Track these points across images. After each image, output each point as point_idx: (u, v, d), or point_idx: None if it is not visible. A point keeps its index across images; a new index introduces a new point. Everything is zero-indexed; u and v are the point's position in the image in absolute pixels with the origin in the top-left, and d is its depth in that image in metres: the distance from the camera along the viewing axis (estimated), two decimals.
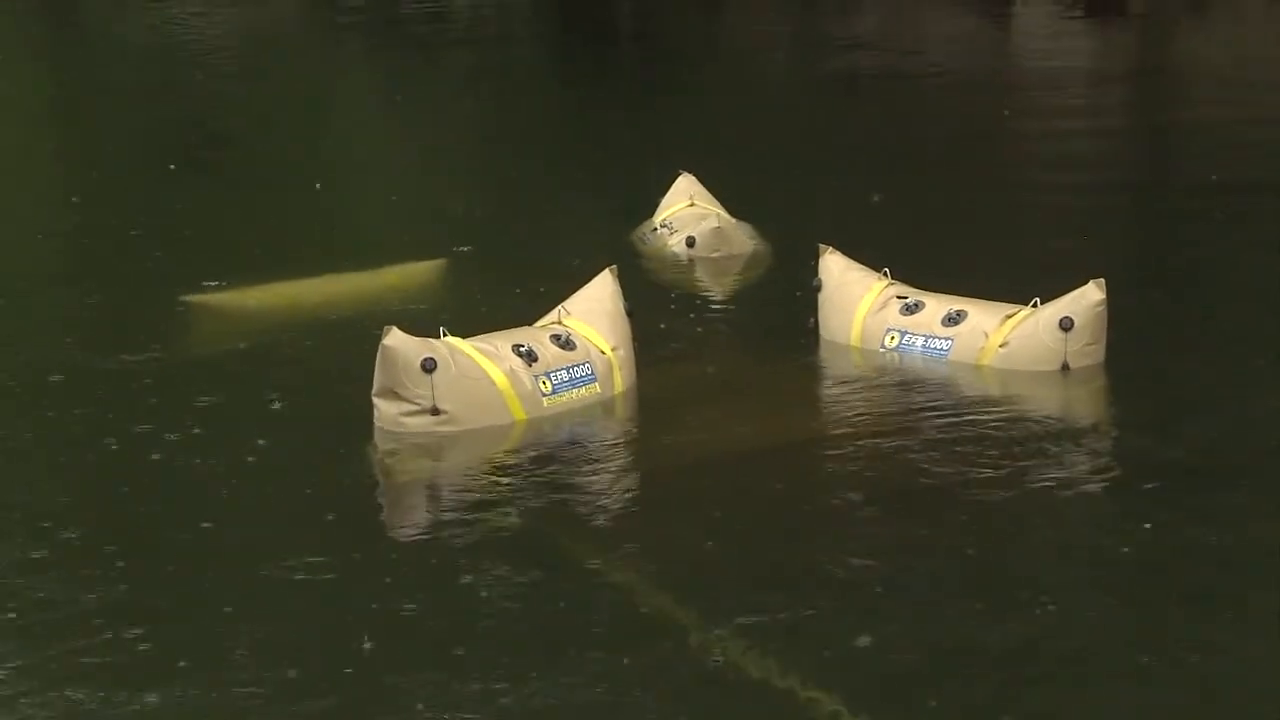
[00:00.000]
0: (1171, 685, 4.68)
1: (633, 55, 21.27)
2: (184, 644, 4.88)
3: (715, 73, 17.57)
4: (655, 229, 9.53)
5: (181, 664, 4.67)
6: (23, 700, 4.44)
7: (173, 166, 12.58)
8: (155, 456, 6.23)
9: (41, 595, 5.15)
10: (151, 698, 4.44)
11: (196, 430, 6.43)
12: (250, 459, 6.17)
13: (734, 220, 9.47)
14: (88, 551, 5.49)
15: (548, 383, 6.54)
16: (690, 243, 9.02)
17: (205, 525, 5.63)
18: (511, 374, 6.38)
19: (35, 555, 5.44)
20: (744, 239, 9.36)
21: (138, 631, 4.91)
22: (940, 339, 7.16)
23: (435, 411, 6.23)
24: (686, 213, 9.45)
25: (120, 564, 5.40)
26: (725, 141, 12.09)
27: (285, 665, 4.80)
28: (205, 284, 8.56)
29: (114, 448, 6.37)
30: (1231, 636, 4.82)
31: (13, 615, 5.01)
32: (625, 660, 4.70)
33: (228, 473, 6.03)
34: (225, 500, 5.76)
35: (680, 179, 9.74)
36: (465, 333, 6.54)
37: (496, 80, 17.88)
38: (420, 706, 4.51)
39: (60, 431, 6.73)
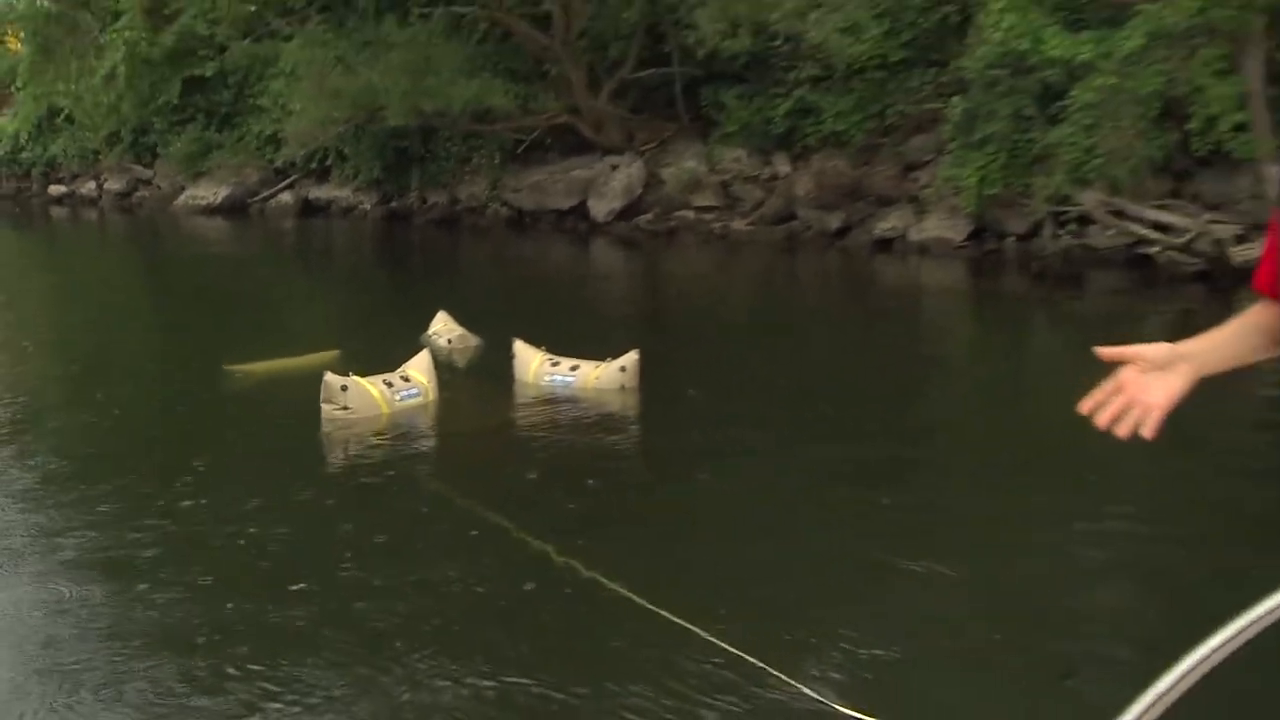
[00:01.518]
0: None
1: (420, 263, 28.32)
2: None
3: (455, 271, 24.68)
4: (432, 334, 15.38)
5: None
6: None
7: None
8: (199, 464, 10.84)
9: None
10: None
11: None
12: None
13: (465, 330, 15.52)
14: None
15: (398, 396, 12.22)
16: (450, 340, 15.14)
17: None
18: (382, 391, 12.06)
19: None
20: (472, 337, 15.38)
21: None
22: (569, 377, 13.11)
23: (345, 408, 11.83)
24: (444, 326, 15.53)
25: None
26: (456, 298, 17.23)
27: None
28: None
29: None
30: None
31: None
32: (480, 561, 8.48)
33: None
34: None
35: (440, 312, 15.82)
36: (360, 374, 12.19)
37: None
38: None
39: None
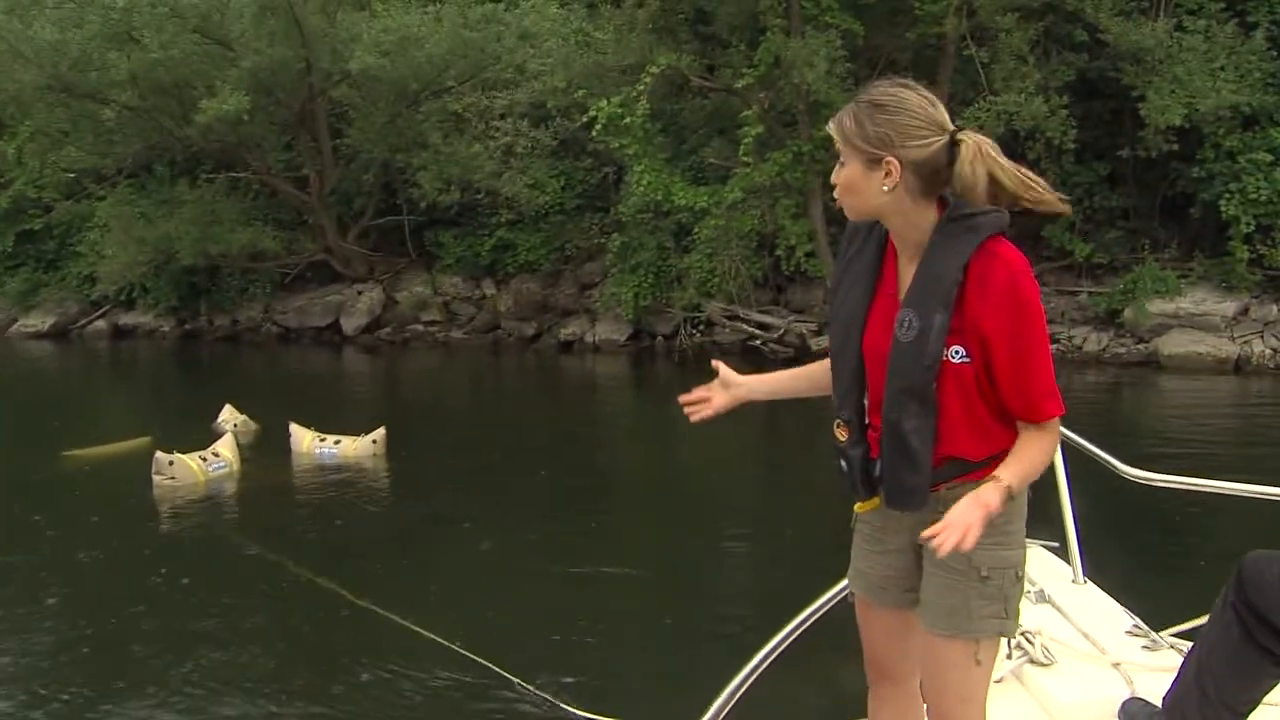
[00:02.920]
0: None
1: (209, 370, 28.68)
2: None
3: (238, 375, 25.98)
4: (220, 421, 16.53)
5: None
6: None
7: None
8: (44, 523, 13.27)
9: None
10: None
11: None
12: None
13: (247, 417, 16.80)
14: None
15: (211, 468, 13.97)
16: (235, 425, 16.32)
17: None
18: (199, 465, 13.87)
19: None
20: (252, 423, 16.69)
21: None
22: (333, 449, 14.97)
23: (172, 478, 13.64)
24: (230, 415, 16.77)
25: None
26: (239, 395, 17.96)
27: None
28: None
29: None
30: None
31: None
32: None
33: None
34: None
35: (227, 404, 17.07)
36: (182, 451, 13.95)
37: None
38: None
39: None
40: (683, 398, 3.07)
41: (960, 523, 2.52)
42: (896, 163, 2.64)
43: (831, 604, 3.32)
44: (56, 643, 9.00)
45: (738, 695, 3.19)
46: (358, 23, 25.98)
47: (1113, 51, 20.35)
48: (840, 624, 3.25)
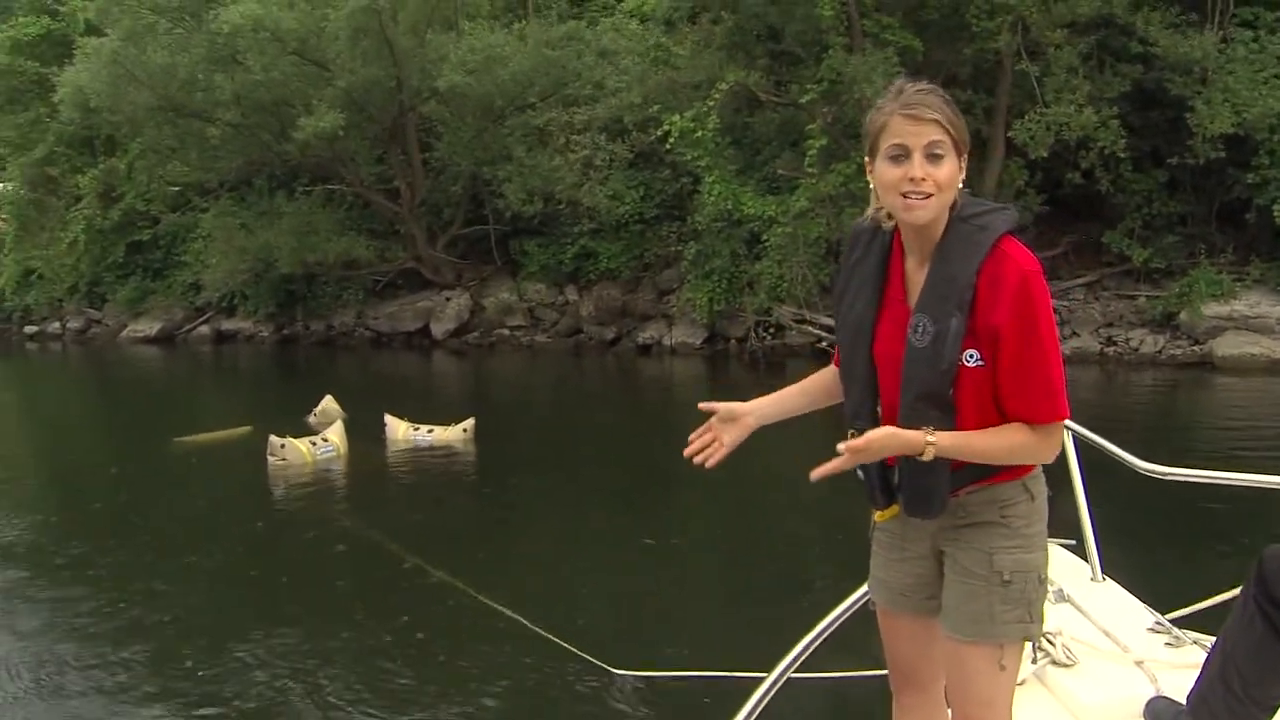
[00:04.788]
0: None
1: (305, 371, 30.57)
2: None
3: (332, 377, 27.43)
4: (317, 412, 18.30)
5: None
6: None
7: None
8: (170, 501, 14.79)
9: None
10: None
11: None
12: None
13: (339, 407, 18.25)
14: None
15: (319, 452, 15.50)
16: (314, 417, 18.00)
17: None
18: (308, 446, 15.40)
19: None
20: (335, 412, 18.04)
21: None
22: (427, 436, 16.34)
23: (283, 459, 15.24)
24: (327, 405, 18.50)
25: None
26: (335, 391, 19.34)
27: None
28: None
29: None
30: None
31: None
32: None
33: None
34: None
35: (327, 395, 18.74)
36: (294, 436, 15.46)
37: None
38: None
39: None
40: (687, 450, 2.97)
41: (861, 444, 2.62)
42: (965, 159, 2.64)
43: (851, 612, 3.33)
44: (177, 597, 10.11)
45: (761, 706, 3.18)
46: (445, 43, 27.64)
47: (1162, 63, 21.39)
48: (862, 632, 3.24)
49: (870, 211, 2.82)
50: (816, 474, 2.65)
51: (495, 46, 27.01)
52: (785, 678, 3.23)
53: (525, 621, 8.41)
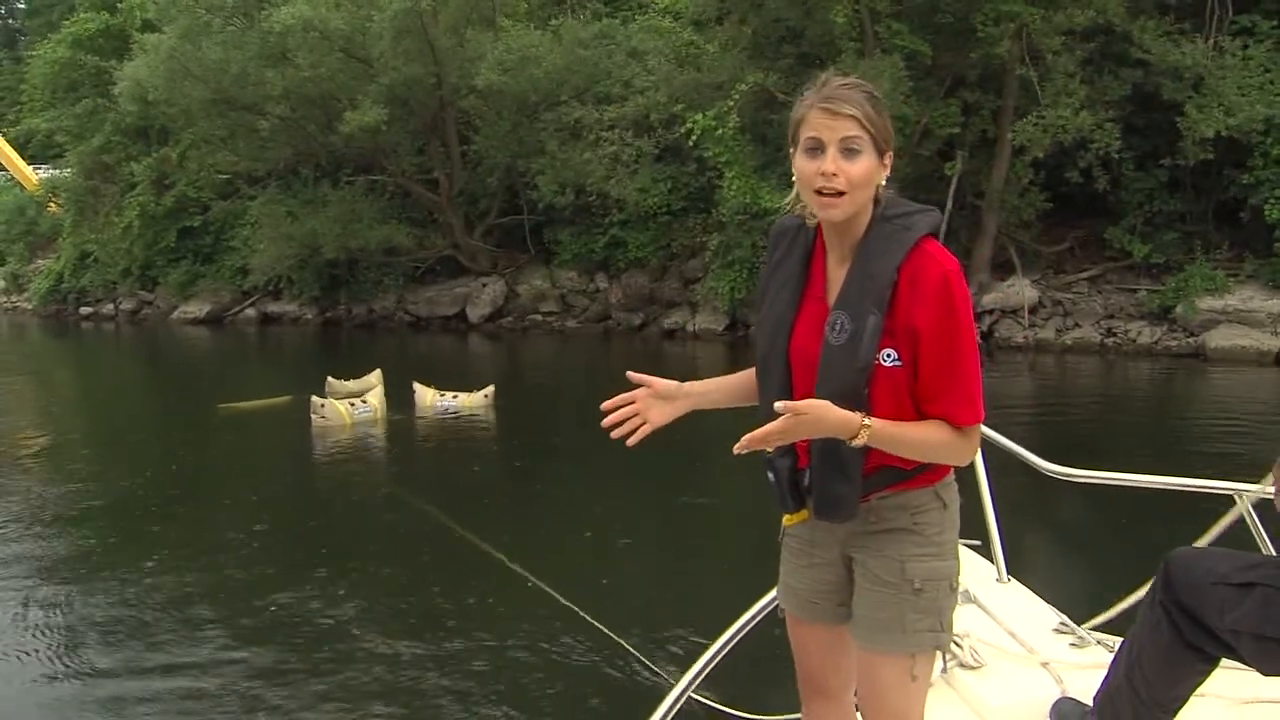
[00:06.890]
0: None
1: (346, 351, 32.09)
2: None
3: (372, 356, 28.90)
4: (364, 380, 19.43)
5: None
6: None
7: None
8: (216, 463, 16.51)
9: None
10: None
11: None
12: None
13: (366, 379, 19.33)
14: None
15: (357, 413, 17.32)
16: (367, 382, 19.12)
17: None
18: (346, 407, 17.25)
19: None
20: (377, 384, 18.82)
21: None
22: (452, 402, 18.05)
23: (324, 418, 17.03)
24: (371, 375, 19.22)
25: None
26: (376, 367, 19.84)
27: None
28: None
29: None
30: None
31: None
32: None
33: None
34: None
35: (376, 371, 19.17)
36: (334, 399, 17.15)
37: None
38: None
39: None
40: (605, 421, 2.79)
41: (803, 406, 2.48)
42: (890, 158, 2.56)
43: (759, 619, 3.28)
44: (227, 548, 11.01)
45: (671, 714, 3.13)
46: (484, 42, 29.34)
47: (1155, 70, 22.92)
48: (772, 637, 3.12)
49: (788, 202, 2.75)
50: (741, 445, 2.51)
51: (530, 46, 28.56)
52: (693, 687, 3.22)
53: (544, 585, 8.84)
